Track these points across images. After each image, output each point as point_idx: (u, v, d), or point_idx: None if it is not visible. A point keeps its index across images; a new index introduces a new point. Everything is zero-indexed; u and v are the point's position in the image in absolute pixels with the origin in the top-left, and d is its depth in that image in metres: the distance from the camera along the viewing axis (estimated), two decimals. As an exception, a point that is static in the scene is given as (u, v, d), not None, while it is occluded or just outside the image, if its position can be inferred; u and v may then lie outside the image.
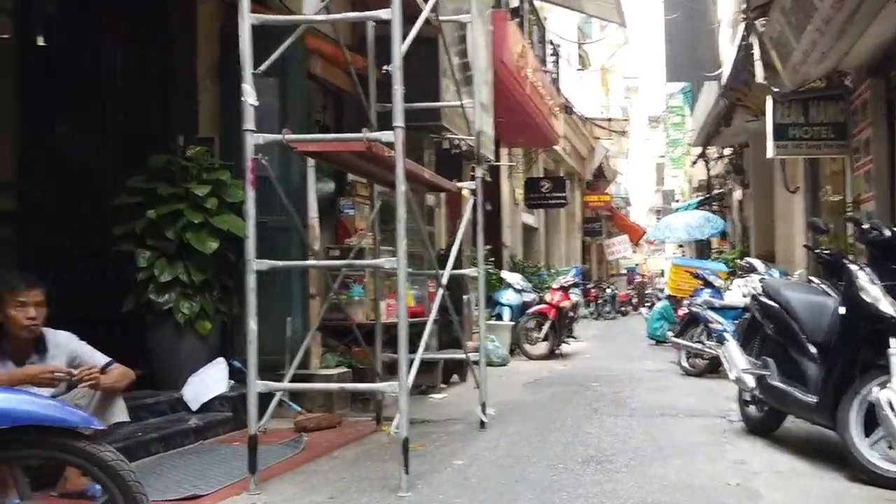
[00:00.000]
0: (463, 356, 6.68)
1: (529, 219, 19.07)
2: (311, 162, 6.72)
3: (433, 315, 5.50)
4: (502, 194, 15.73)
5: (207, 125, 6.80)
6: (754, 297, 5.72)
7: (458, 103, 6.75)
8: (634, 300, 30.69)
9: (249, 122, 4.37)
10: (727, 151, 18.45)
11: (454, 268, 7.23)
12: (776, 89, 9.38)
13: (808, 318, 5.08)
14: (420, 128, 9.11)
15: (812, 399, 4.77)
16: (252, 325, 4.31)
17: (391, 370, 8.29)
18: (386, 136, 4.33)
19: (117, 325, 6.11)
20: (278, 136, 4.48)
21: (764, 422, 5.69)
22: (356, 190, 8.48)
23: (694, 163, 20.15)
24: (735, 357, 5.78)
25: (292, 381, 6.21)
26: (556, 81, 18.20)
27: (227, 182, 6.14)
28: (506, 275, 12.46)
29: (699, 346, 9.49)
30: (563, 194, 17.40)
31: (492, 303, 12.09)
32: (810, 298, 5.21)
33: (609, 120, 28.59)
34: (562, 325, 12.02)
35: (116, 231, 6.00)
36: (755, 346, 5.80)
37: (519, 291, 12.16)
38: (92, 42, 6.75)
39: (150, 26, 6.77)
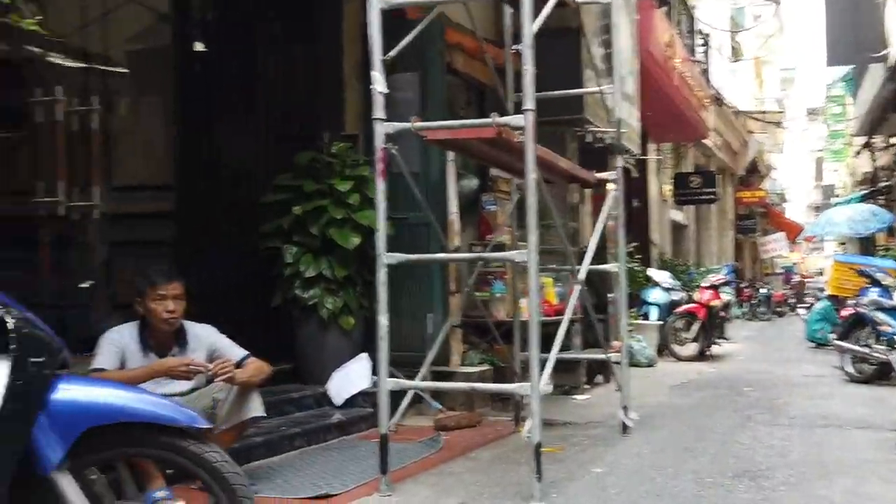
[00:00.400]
0: (604, 356, 6.40)
1: (678, 216, 18.44)
2: (450, 156, 6.69)
3: (569, 313, 5.26)
4: (650, 190, 15.26)
5: (353, 122, 6.87)
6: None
7: (596, 89, 6.49)
8: (791, 300, 29.01)
9: (379, 111, 4.29)
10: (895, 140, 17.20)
11: (596, 264, 7.02)
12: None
13: None
14: (561, 121, 8.92)
15: None
16: (383, 320, 4.24)
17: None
18: (516, 120, 4.16)
19: (268, 321, 6.36)
20: (407, 125, 4.38)
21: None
22: (498, 185, 8.38)
23: (858, 153, 18.80)
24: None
25: (432, 378, 6.23)
26: (706, 73, 17.48)
27: (369, 178, 6.15)
28: (653, 272, 12.05)
29: (866, 349, 8.82)
30: (714, 190, 16.68)
31: (639, 301, 11.73)
32: None
33: (763, 112, 27.28)
34: (712, 326, 11.51)
35: (265, 228, 6.18)
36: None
37: (667, 290, 11.73)
38: (245, 45, 6.96)
39: (300, 27, 6.91)
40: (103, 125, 6.27)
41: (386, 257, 4.28)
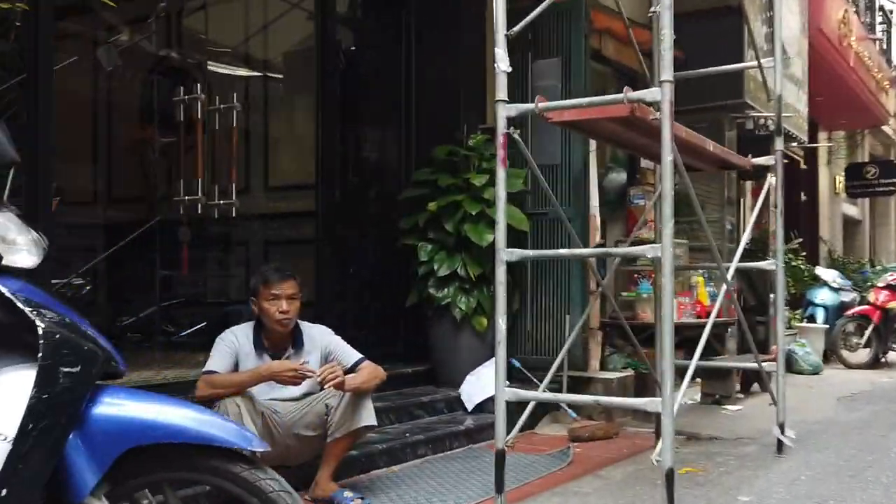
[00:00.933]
0: (755, 364, 5.83)
1: (851, 210, 17.10)
2: (592, 146, 6.33)
3: (714, 315, 4.78)
4: (819, 183, 14.21)
5: (493, 115, 6.62)
6: None
7: (752, 64, 5.92)
8: None
9: (501, 92, 3.94)
10: None
11: (754, 261, 6.42)
12: None
13: None
14: (720, 107, 8.36)
15: None
16: (501, 323, 3.90)
17: (681, 376, 7.71)
18: (651, 94, 3.71)
19: (405, 321, 6.34)
20: (530, 106, 4.04)
21: None
22: (646, 178, 7.92)
23: None
24: None
25: (569, 384, 5.91)
26: (886, 52, 16.04)
27: (507, 171, 5.87)
28: (820, 271, 11.14)
29: None
30: (893, 181, 15.26)
31: (804, 303, 10.89)
32: None
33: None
34: (888, 330, 10.50)
35: (402, 224, 6.06)
36: None
37: (836, 290, 10.80)
38: (387, 37, 6.85)
39: (442, 16, 6.72)
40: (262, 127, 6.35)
41: (504, 253, 3.95)
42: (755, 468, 4.86)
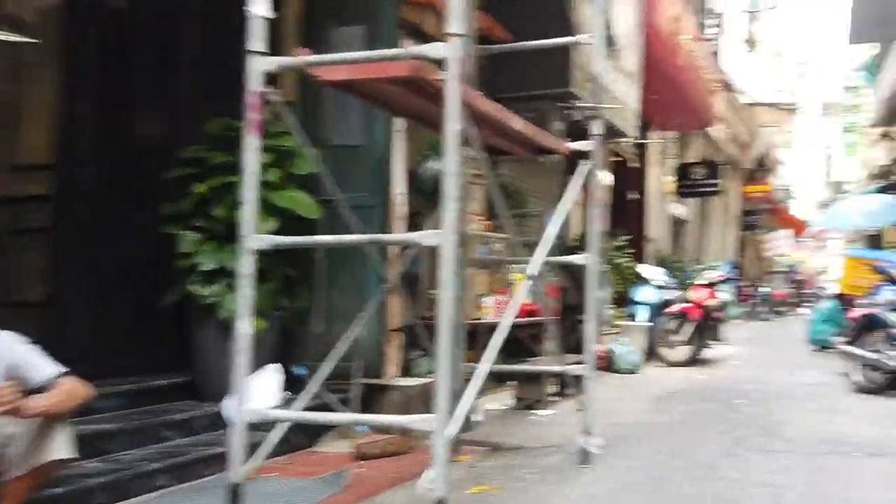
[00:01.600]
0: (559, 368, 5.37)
1: (680, 210, 17.40)
2: (397, 125, 5.71)
3: (511, 314, 4.25)
4: (649, 182, 14.25)
5: (291, 87, 5.82)
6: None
7: (571, 39, 5.49)
8: (793, 300, 28.54)
9: (256, 41, 3.29)
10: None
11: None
12: None
13: None
14: (545, 96, 7.95)
15: None
16: (244, 326, 3.25)
17: (497, 381, 7.23)
18: (436, 49, 3.14)
19: (162, 323, 5.27)
20: (293, 60, 3.39)
21: None
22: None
23: (882, 137, 17.56)
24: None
25: (363, 393, 5.27)
26: (716, 55, 16.35)
27: (296, 150, 5.14)
28: (643, 268, 11.02)
29: (878, 356, 7.84)
30: (717, 181, 15.58)
31: (628, 301, 10.74)
32: None
33: (775, 104, 26.18)
34: (706, 327, 10.51)
35: (165, 209, 5.11)
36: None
37: (659, 288, 10.70)
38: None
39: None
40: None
41: (252, 240, 3.28)
42: (556, 482, 4.38)
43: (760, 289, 23.33)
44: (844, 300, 12.56)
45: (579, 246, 8.40)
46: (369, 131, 5.59)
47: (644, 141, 12.71)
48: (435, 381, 5.54)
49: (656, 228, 14.79)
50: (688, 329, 10.17)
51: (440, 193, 7.45)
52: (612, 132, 9.54)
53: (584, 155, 5.11)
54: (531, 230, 7.89)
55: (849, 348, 8.21)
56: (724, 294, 11.65)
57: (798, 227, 30.81)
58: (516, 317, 7.02)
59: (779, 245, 27.22)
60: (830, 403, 7.28)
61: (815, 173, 52.28)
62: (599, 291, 9.28)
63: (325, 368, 3.98)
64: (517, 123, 4.54)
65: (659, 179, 14.85)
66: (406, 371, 5.75)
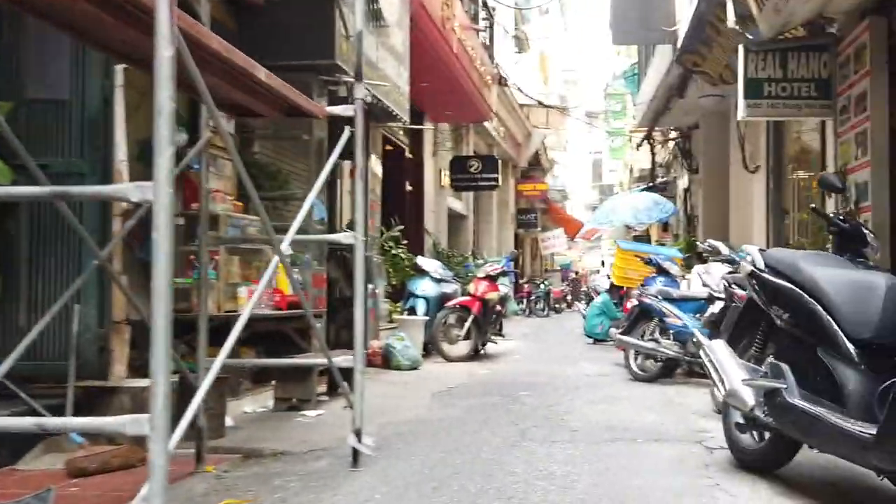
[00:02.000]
0: (338, 361, 4.65)
1: (458, 205, 17.24)
2: (118, 80, 4.75)
3: (252, 303, 3.51)
4: (425, 175, 13.89)
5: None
6: (753, 275, 3.96)
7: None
8: (569, 297, 29.72)
9: None
10: (674, 135, 16.92)
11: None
12: (750, 37, 7.73)
13: (848, 303, 3.34)
14: (308, 67, 7.21)
15: (863, 430, 3.01)
16: None
17: (257, 380, 6.41)
18: None
19: None
20: None
21: (766, 455, 3.94)
22: (214, 141, 6.52)
23: (639, 145, 18.43)
24: (725, 362, 4.01)
25: (80, 397, 4.30)
26: (489, 48, 16.33)
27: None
28: (422, 261, 10.55)
29: (653, 345, 7.82)
30: (494, 175, 15.48)
31: (406, 294, 10.23)
32: (848, 276, 3.47)
33: (548, 106, 26.96)
34: (487, 321, 10.19)
35: None
36: (752, 347, 4.08)
37: (438, 281, 10.26)
38: None
39: None
40: None
41: None
42: (321, 489, 3.69)
43: (541, 286, 23.82)
44: (616, 293, 12.87)
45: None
46: (78, 84, 4.60)
47: (418, 127, 12.31)
48: (174, 378, 4.68)
49: (434, 222, 14.48)
50: (468, 323, 9.77)
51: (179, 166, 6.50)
52: (384, 114, 8.98)
53: (348, 122, 4.44)
54: (293, 215, 7.16)
55: (624, 338, 8.14)
56: (505, 287, 11.46)
57: (573, 226, 32.03)
58: (280, 308, 6.30)
59: (554, 244, 28.06)
60: (609, 392, 7.12)
61: (585, 176, 55.17)
62: (374, 281, 8.72)
63: (5, 366, 3.00)
64: (260, 72, 3.77)
65: (435, 172, 14.54)
66: (139, 371, 4.79)
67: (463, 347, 9.79)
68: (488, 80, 14.60)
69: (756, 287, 3.91)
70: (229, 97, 3.99)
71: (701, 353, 4.27)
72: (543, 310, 23.29)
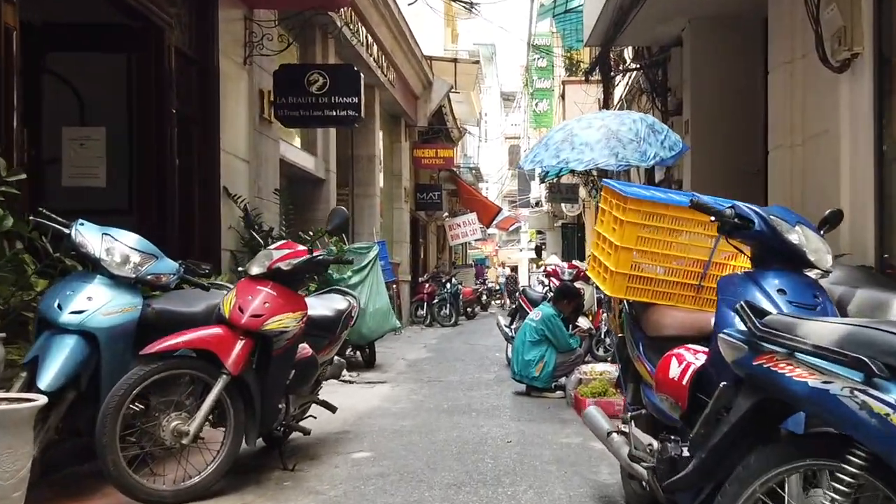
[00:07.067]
0: None
1: (306, 160, 10.91)
2: None
3: None
4: (224, 92, 7.70)
5: None
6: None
7: None
8: (483, 297, 24.88)
9: None
10: (636, 66, 11.20)
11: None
12: None
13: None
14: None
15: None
16: None
17: None
18: None
19: None
20: None
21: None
22: None
23: (587, 75, 12.30)
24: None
25: None
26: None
27: None
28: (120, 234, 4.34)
29: None
30: (354, 100, 8.85)
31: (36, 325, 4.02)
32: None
33: (455, 61, 21.07)
34: (273, 393, 4.10)
35: None
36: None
37: (124, 285, 4.10)
38: None
39: None
40: None
41: None
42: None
43: (444, 285, 17.97)
44: (569, 304, 7.08)
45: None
46: None
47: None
48: None
49: (246, 179, 8.29)
50: (202, 412, 3.68)
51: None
52: None
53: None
54: None
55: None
56: (350, 301, 5.36)
57: (489, 211, 26.22)
58: None
59: (466, 232, 22.07)
60: None
61: (502, 161, 49.48)
62: None
63: None
64: None
65: (250, 93, 8.32)
66: None
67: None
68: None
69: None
70: None
71: None
72: (450, 317, 17.48)
